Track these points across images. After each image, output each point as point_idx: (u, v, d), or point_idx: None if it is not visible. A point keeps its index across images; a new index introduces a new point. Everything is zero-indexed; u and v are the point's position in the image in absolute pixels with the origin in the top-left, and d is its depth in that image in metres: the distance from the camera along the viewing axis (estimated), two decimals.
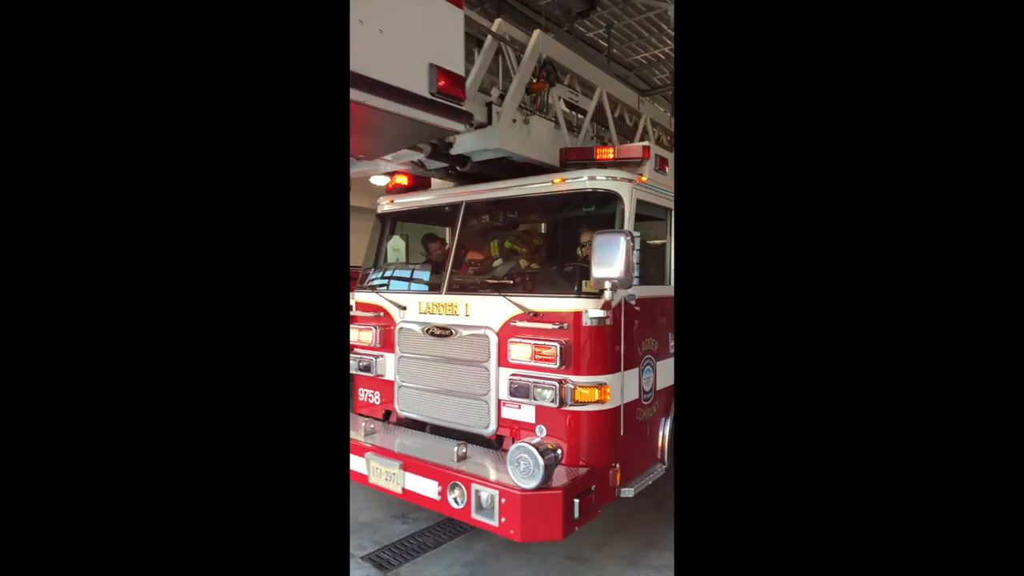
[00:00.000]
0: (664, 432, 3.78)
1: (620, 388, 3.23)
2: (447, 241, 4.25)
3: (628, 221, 3.31)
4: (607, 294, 2.90)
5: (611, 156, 3.37)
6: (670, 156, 4.02)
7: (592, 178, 3.36)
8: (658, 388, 3.70)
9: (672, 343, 3.91)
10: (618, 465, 3.22)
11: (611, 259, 2.79)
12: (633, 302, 3.37)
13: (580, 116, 4.39)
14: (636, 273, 3.74)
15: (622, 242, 2.78)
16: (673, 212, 3.93)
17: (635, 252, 3.04)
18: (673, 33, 8.01)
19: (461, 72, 2.29)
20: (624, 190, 3.33)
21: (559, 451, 2.89)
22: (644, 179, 3.45)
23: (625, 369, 3.28)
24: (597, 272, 2.83)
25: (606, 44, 8.61)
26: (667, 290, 3.89)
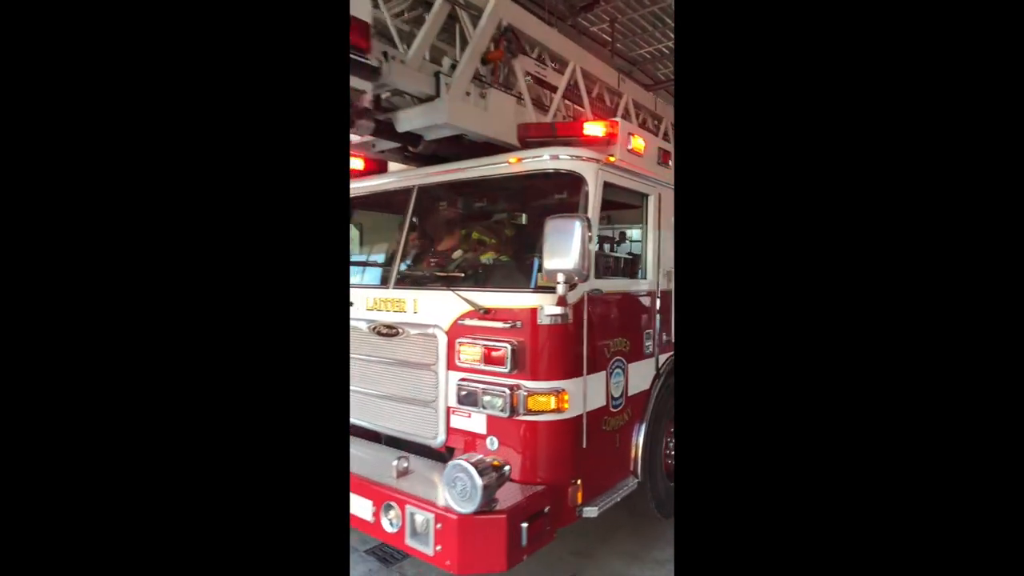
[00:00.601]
0: (638, 441, 3.41)
1: (582, 395, 2.86)
2: (423, 230, 3.88)
3: (593, 206, 2.92)
4: (560, 288, 2.52)
5: (575, 133, 2.98)
6: (653, 139, 3.64)
7: (555, 157, 2.98)
8: (630, 394, 3.33)
9: (648, 343, 3.54)
10: (579, 481, 2.85)
11: (565, 248, 2.41)
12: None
13: (552, 94, 4.00)
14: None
15: (577, 228, 2.41)
16: (650, 199, 3.55)
17: (593, 240, 2.66)
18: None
19: (367, 18, 1.92)
20: (588, 171, 2.94)
21: (506, 468, 2.53)
22: (612, 159, 3.07)
23: (589, 373, 2.91)
24: (549, 263, 2.45)
25: (610, 39, 8.52)
26: (643, 284, 3.52)
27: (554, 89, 3.90)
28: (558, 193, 3.09)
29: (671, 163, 3.80)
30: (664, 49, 9.29)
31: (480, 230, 3.95)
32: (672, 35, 8.65)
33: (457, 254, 3.71)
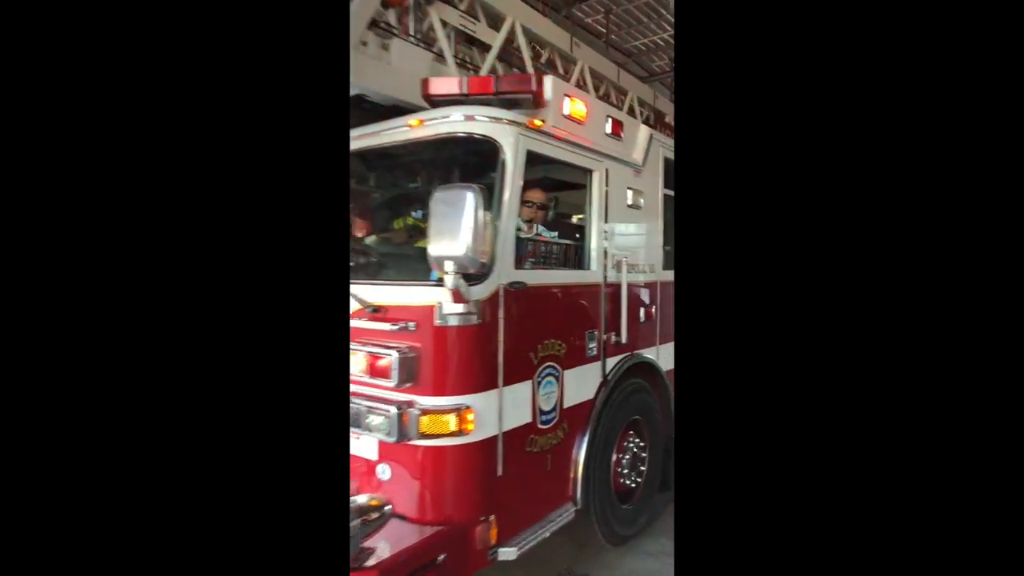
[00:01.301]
0: (578, 460, 2.89)
1: (496, 411, 2.33)
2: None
3: (511, 179, 2.38)
4: (449, 281, 1.97)
5: (491, 90, 2.43)
6: (600, 106, 3.10)
7: (470, 118, 2.43)
8: (567, 405, 2.80)
9: (591, 345, 3.01)
10: (493, 518, 2.33)
11: (452, 228, 1.87)
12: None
13: (486, 54, 3.43)
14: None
15: (469, 202, 1.86)
16: (594, 175, 3.01)
17: (508, 220, 2.12)
18: (673, 19, 7.85)
19: None
20: (505, 136, 2.39)
21: (387, 507, 2.00)
22: (538, 123, 2.52)
23: (507, 384, 2.38)
24: (434, 248, 1.91)
25: (604, 30, 8.32)
26: (585, 276, 2.99)
27: (487, 48, 3.33)
28: (475, 164, 2.54)
29: (623, 135, 3.27)
30: (659, 41, 9.19)
31: (414, 216, 3.40)
32: (668, 26, 8.63)
33: (371, 239, 3.16)
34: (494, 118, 2.43)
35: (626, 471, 3.31)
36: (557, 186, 3.48)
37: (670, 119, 5.80)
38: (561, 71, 4.14)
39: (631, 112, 4.79)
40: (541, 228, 3.31)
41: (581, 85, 4.18)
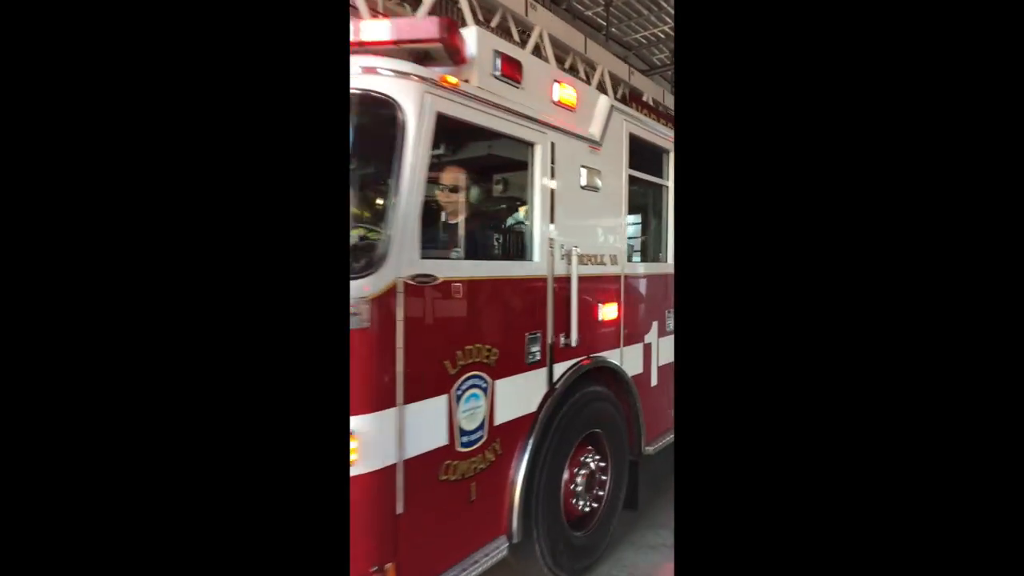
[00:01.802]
0: (516, 480, 2.45)
1: (394, 435, 1.88)
2: None
3: (416, 147, 1.92)
4: None
5: (389, 39, 1.97)
6: (540, 66, 2.63)
7: (370, 70, 1.96)
8: (499, 422, 2.36)
9: (533, 348, 2.56)
10: (391, 566, 1.89)
11: None
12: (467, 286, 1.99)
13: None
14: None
15: None
16: (536, 149, 2.55)
17: (410, 197, 1.66)
18: (673, 11, 7.64)
19: None
20: (406, 94, 1.93)
21: None
22: (454, 82, 2.06)
23: (409, 401, 1.94)
24: None
25: (605, 23, 8.02)
26: (525, 268, 2.54)
27: (417, 4, 2.85)
28: (375, 129, 2.08)
29: (578, 106, 2.81)
30: (660, 34, 8.99)
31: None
32: (668, 19, 8.50)
33: None
34: (398, 72, 1.97)
35: (581, 493, 2.88)
36: (504, 166, 3.03)
37: (648, 98, 5.37)
38: (517, 39, 3.67)
39: (601, 88, 4.32)
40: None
41: (540, 54, 3.70)
